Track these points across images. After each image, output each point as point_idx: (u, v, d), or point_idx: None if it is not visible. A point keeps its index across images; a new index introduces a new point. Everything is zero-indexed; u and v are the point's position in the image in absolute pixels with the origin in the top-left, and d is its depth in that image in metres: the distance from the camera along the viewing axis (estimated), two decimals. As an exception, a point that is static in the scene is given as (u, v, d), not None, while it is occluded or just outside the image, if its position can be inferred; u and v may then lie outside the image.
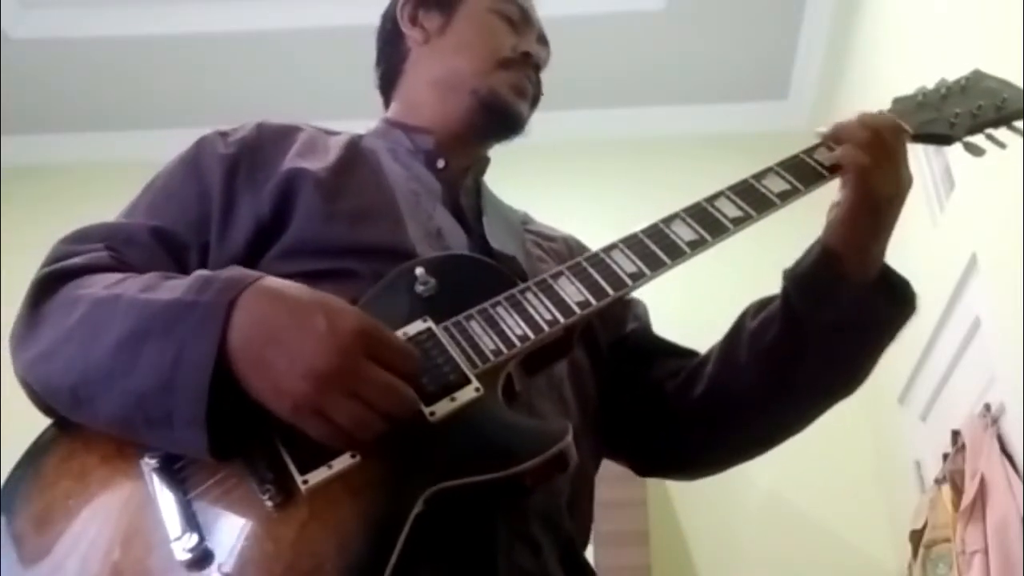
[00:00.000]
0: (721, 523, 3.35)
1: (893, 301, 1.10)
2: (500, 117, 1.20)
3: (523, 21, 1.25)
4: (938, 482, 2.60)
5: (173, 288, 0.88)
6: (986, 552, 2.25)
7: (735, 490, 3.29)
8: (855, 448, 3.44)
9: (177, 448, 0.85)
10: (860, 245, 1.07)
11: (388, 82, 1.31)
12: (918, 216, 2.89)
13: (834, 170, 1.09)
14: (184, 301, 0.86)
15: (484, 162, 1.27)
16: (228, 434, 0.83)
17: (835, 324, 1.07)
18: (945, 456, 2.62)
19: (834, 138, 1.09)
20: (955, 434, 2.58)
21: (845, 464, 3.40)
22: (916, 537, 2.65)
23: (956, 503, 2.44)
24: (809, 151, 1.11)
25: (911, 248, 3.13)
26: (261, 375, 0.82)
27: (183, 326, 0.84)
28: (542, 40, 1.29)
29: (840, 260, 1.06)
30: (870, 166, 1.05)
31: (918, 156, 2.90)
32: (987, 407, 2.46)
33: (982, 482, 2.32)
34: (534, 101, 1.25)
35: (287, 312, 0.83)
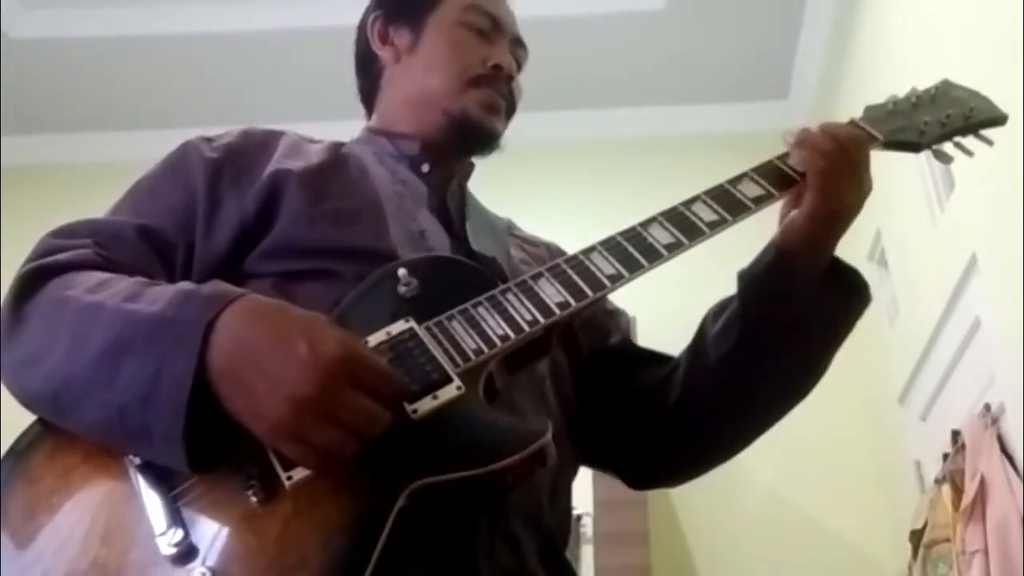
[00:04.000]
0: (721, 523, 3.35)
1: (846, 292, 1.12)
2: (472, 136, 1.21)
3: (494, 29, 1.24)
4: (938, 482, 2.60)
5: (155, 300, 0.88)
6: (986, 552, 2.24)
7: (735, 490, 3.30)
8: (855, 448, 3.44)
9: (157, 460, 0.85)
10: (816, 248, 1.09)
11: (367, 96, 1.32)
12: (918, 216, 2.88)
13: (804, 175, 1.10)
14: (165, 317, 0.86)
15: (469, 168, 1.28)
16: (207, 447, 0.83)
17: (791, 323, 1.09)
18: (945, 456, 2.61)
19: (798, 144, 1.10)
20: (955, 434, 2.58)
21: (845, 464, 3.41)
22: (916, 537, 2.65)
23: (956, 503, 2.44)
24: (782, 157, 1.13)
25: (911, 248, 3.13)
26: (241, 397, 0.82)
27: (163, 342, 0.84)
28: (517, 43, 1.28)
29: (793, 262, 1.08)
30: (834, 176, 1.06)
31: (919, 157, 2.89)
32: (987, 407, 2.45)
33: (982, 482, 2.32)
34: (509, 112, 1.25)
35: (269, 335, 0.83)
